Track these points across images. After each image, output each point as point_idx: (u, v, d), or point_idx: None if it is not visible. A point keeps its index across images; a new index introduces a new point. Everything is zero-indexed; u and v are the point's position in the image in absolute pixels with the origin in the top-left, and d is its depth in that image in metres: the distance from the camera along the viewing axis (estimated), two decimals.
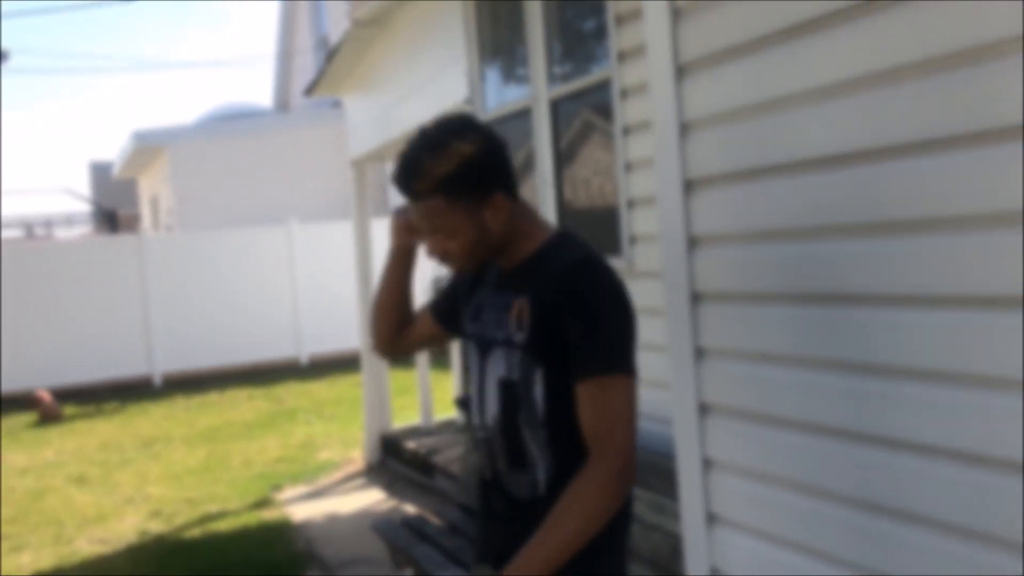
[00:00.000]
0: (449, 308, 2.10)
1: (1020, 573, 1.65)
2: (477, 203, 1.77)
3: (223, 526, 6.18)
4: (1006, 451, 1.68)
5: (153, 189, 18.04)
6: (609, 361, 1.71)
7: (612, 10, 4.42)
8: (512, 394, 1.79)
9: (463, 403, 6.74)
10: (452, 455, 6.58)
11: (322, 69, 8.02)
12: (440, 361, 9.30)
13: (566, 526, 1.66)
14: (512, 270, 1.86)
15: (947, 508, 1.80)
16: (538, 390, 1.76)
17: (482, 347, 1.87)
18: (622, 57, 4.37)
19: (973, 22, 1.67)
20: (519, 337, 1.77)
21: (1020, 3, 1.58)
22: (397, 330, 2.14)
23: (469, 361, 1.96)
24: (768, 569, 2.26)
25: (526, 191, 5.60)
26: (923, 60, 1.77)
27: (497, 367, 1.81)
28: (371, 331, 2.12)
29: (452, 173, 1.73)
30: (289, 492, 6.97)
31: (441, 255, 1.83)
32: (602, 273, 1.78)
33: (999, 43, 1.63)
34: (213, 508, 6.63)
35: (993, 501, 1.71)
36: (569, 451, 1.76)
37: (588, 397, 1.71)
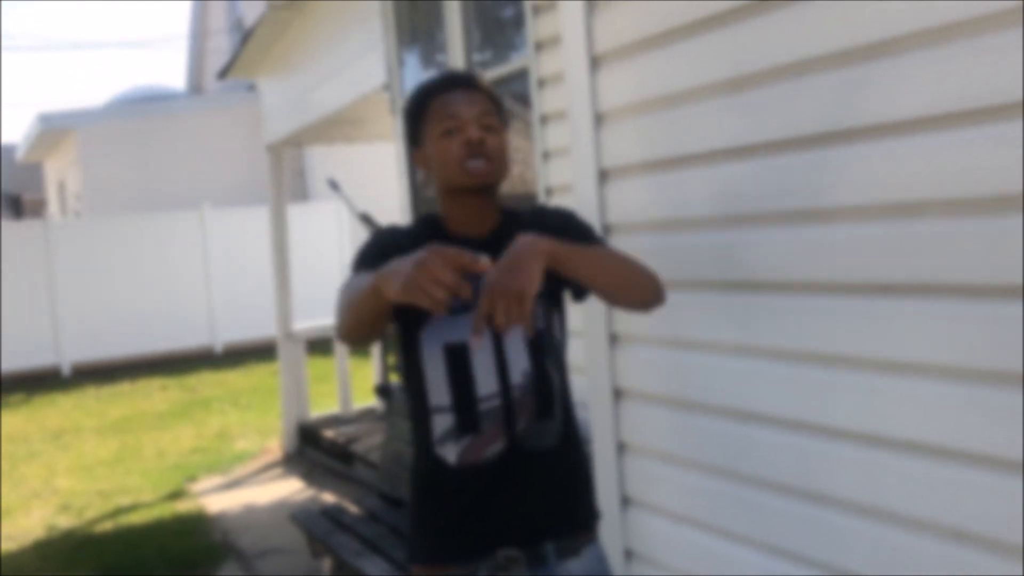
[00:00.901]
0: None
1: (935, 554, 1.74)
2: (505, 125, 1.92)
3: (136, 519, 6.05)
4: (903, 433, 1.76)
5: (60, 173, 17.44)
6: (603, 240, 1.86)
7: (528, 2, 4.44)
8: (539, 343, 1.83)
9: (383, 390, 6.71)
10: (372, 443, 6.56)
11: (237, 52, 7.86)
12: (359, 350, 9.24)
13: (614, 253, 1.82)
14: (490, 234, 1.85)
15: (856, 488, 1.88)
16: (556, 329, 1.87)
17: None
18: (539, 46, 4.40)
19: (874, 18, 1.74)
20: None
21: (915, 2, 1.66)
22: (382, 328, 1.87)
23: (453, 337, 1.80)
24: (680, 549, 2.32)
25: None
26: (826, 55, 1.83)
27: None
28: (348, 328, 1.75)
29: (496, 91, 1.90)
30: (204, 483, 6.85)
31: (480, 144, 1.80)
32: (559, 205, 1.98)
33: (896, 40, 1.70)
34: (125, 500, 6.48)
35: (895, 482, 1.80)
36: (569, 400, 1.90)
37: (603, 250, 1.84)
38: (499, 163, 1.84)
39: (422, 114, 1.87)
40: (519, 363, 1.81)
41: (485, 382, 1.79)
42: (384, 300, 1.54)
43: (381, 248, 1.83)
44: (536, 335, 1.82)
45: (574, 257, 1.67)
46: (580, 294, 1.89)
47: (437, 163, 1.84)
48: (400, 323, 1.83)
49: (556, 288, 1.85)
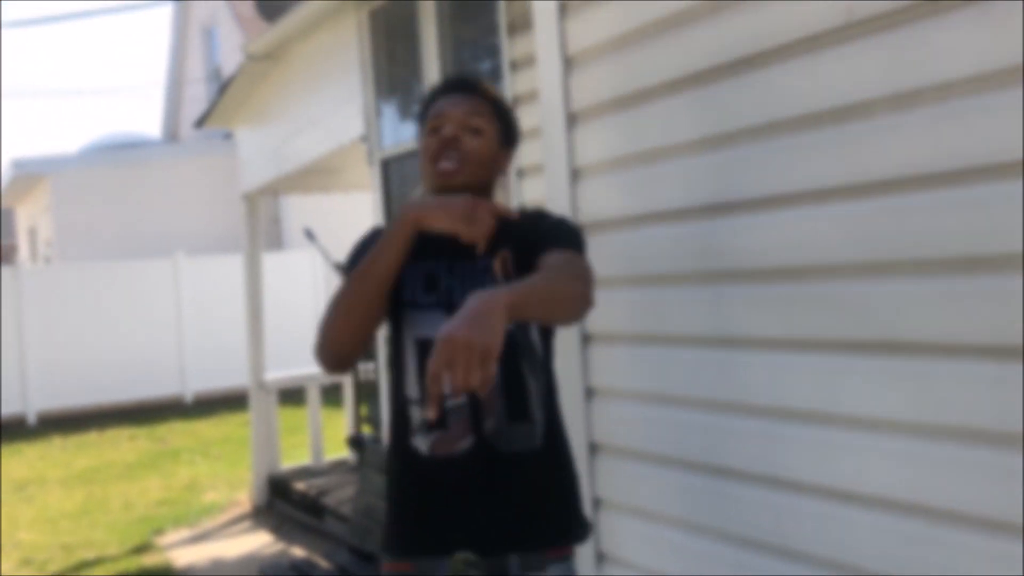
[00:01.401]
0: None
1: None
2: (501, 139, 1.88)
3: (100, 573, 5.91)
4: (873, 488, 1.77)
5: (32, 219, 17.31)
6: (578, 247, 1.81)
7: (507, 55, 4.51)
8: (512, 342, 1.76)
9: (355, 442, 6.65)
10: (343, 496, 6.48)
11: (214, 101, 7.89)
12: (331, 399, 9.17)
13: (558, 280, 1.67)
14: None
15: (820, 543, 1.88)
16: (534, 332, 1.83)
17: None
18: (517, 102, 4.45)
19: (842, 81, 1.78)
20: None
21: (886, 67, 1.70)
22: (376, 327, 1.85)
23: (423, 332, 1.78)
24: (653, 548, 2.30)
25: None
26: (797, 117, 1.87)
27: None
28: (339, 329, 1.75)
29: (502, 100, 1.91)
30: (172, 536, 6.72)
31: (452, 142, 1.80)
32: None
33: (865, 104, 1.74)
34: (90, 554, 6.34)
35: (861, 536, 1.80)
36: (555, 404, 1.85)
37: (554, 253, 1.75)
38: (470, 165, 1.81)
39: (423, 115, 1.89)
40: None
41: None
42: (405, 247, 1.70)
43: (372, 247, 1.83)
44: (509, 335, 1.70)
45: (530, 303, 1.59)
46: None
47: (421, 162, 1.86)
48: (390, 317, 1.82)
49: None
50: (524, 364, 1.80)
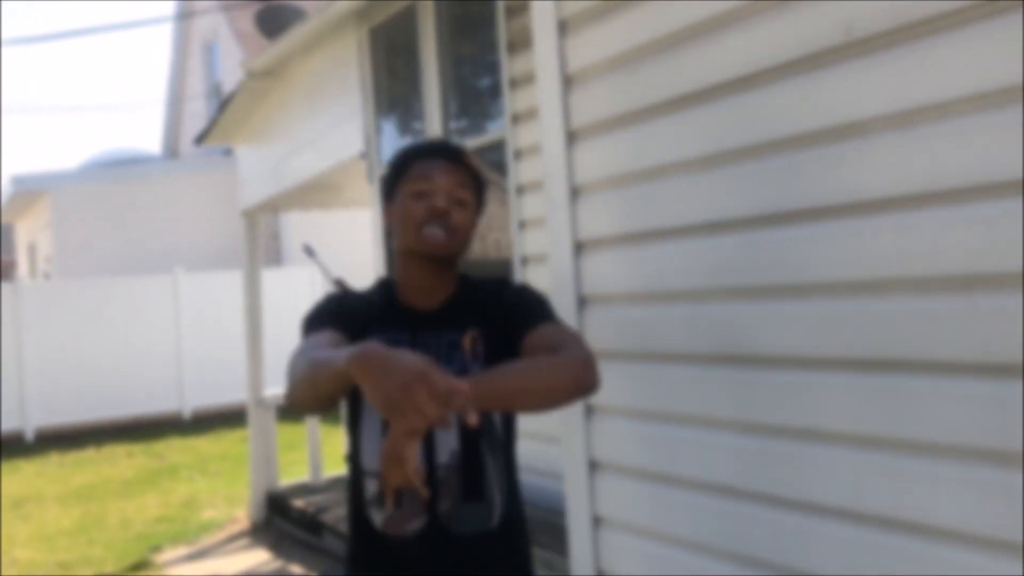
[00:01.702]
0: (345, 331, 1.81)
1: None
2: (478, 207, 1.90)
3: None
4: (880, 508, 1.76)
5: (32, 235, 17.32)
6: (552, 317, 1.82)
7: (506, 73, 4.53)
8: (481, 429, 1.77)
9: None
10: (342, 513, 6.45)
11: (214, 118, 7.91)
12: (330, 416, 9.15)
13: (538, 367, 1.63)
14: (440, 307, 1.84)
15: (819, 561, 1.87)
16: (495, 413, 1.80)
17: None
18: (516, 119, 4.47)
19: (841, 99, 1.78)
20: (476, 368, 1.78)
21: (884, 87, 1.71)
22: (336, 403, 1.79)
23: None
24: None
25: None
26: (797, 135, 1.88)
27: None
28: (302, 399, 1.67)
29: (482, 172, 1.92)
30: (169, 553, 6.69)
31: (443, 214, 1.78)
32: (525, 284, 1.96)
33: (863, 122, 1.75)
34: (87, 572, 6.31)
35: (868, 555, 1.79)
36: (515, 482, 1.84)
37: (545, 329, 1.75)
38: (458, 238, 1.81)
39: (402, 171, 1.86)
40: (447, 442, 1.77)
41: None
42: (348, 383, 1.46)
43: (333, 311, 1.82)
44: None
45: (496, 398, 1.56)
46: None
47: (400, 222, 1.82)
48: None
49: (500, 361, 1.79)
50: (483, 443, 1.79)
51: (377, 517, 1.77)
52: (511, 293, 1.88)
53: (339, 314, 1.82)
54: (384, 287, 1.91)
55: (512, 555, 1.83)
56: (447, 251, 1.80)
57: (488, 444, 1.80)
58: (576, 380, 1.65)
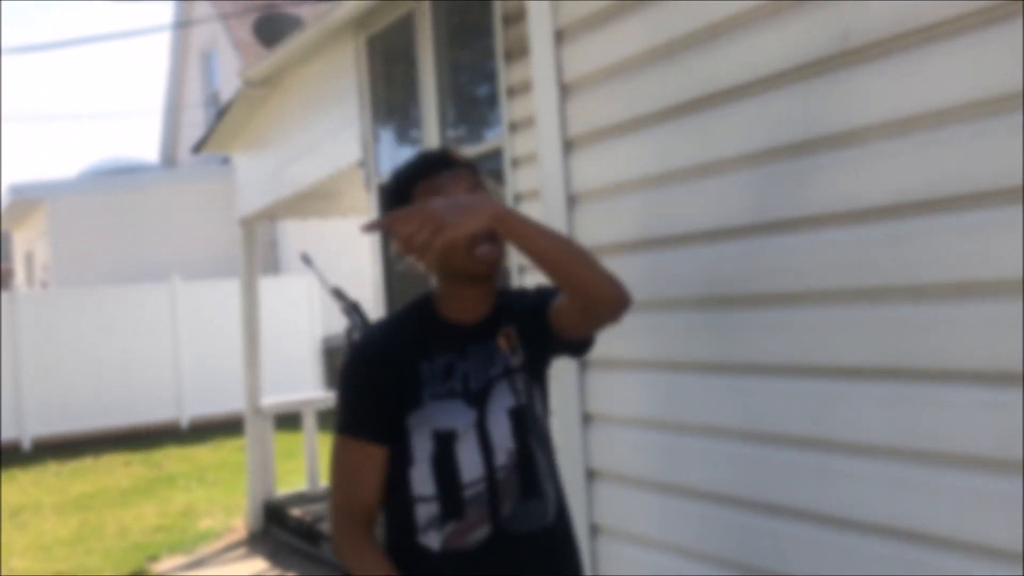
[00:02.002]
0: (387, 421, 1.78)
1: None
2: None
3: None
4: (875, 516, 1.76)
5: (29, 244, 17.32)
6: None
7: (504, 81, 4.53)
8: (523, 420, 1.79)
9: None
10: None
11: (212, 127, 7.92)
12: (327, 424, 9.14)
13: (573, 242, 1.75)
14: (478, 320, 1.81)
15: (819, 569, 1.87)
16: (539, 407, 1.82)
17: (475, 396, 1.77)
18: (514, 128, 4.47)
19: (839, 107, 1.79)
20: (516, 360, 1.80)
21: (880, 95, 1.71)
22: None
23: (441, 424, 1.75)
24: None
25: None
26: (794, 143, 1.88)
27: (504, 400, 1.78)
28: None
29: (472, 161, 1.86)
30: (167, 563, 6.67)
31: (489, 230, 1.69)
32: None
33: (860, 130, 1.75)
34: None
35: (860, 563, 1.79)
36: (559, 479, 1.84)
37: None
38: (504, 242, 1.73)
39: (409, 196, 1.77)
40: (503, 443, 1.76)
41: (470, 468, 1.74)
42: None
43: (376, 381, 1.76)
44: (519, 410, 1.77)
45: (523, 225, 1.62)
46: (581, 348, 1.86)
47: (441, 251, 1.70)
48: (395, 424, 1.76)
49: (539, 362, 1.83)
50: (532, 439, 1.79)
51: (435, 539, 1.74)
52: (522, 290, 1.92)
53: (377, 386, 1.76)
54: (422, 308, 1.84)
55: (568, 546, 1.83)
56: (502, 260, 1.76)
57: (538, 440, 1.80)
58: (617, 283, 1.71)
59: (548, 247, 1.66)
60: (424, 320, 1.81)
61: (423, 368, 1.76)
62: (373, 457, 1.74)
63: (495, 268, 1.74)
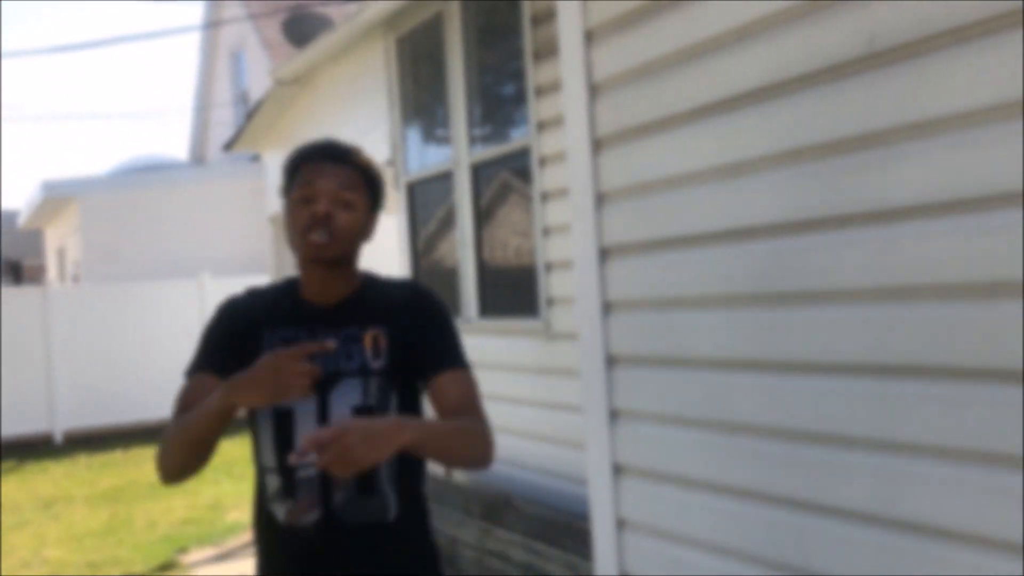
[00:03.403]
0: (227, 369, 1.86)
1: None
2: (371, 206, 1.95)
3: None
4: (901, 511, 1.78)
5: (61, 240, 17.55)
6: (462, 359, 1.95)
7: (532, 81, 4.57)
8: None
9: None
10: None
11: (242, 126, 8.02)
12: None
13: (456, 427, 1.84)
14: (338, 304, 1.92)
15: (843, 565, 1.89)
16: (394, 410, 1.90)
17: (322, 381, 1.82)
18: (541, 127, 4.51)
19: (865, 109, 1.81)
20: (377, 364, 1.89)
21: (906, 95, 1.73)
22: (205, 461, 1.91)
23: (279, 404, 1.83)
24: None
25: (446, 250, 5.67)
26: (821, 143, 1.90)
27: (351, 396, 1.87)
28: (187, 460, 1.85)
29: (373, 168, 1.96)
30: (196, 555, 6.76)
31: (325, 218, 1.84)
32: (433, 291, 2.05)
33: (886, 131, 1.77)
34: (115, 572, 6.39)
35: (883, 557, 1.81)
36: (412, 482, 1.93)
37: (452, 381, 1.90)
38: (343, 240, 1.87)
39: (292, 176, 1.93)
40: None
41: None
42: (226, 418, 1.74)
43: (224, 329, 1.95)
44: (365, 410, 1.86)
45: (430, 444, 1.76)
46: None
47: (290, 226, 1.90)
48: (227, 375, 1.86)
49: (401, 369, 1.89)
50: None
51: (280, 510, 1.88)
52: (423, 308, 1.97)
53: (228, 331, 1.95)
54: (289, 284, 2.00)
55: (409, 549, 1.93)
56: (330, 254, 1.86)
57: None
58: (485, 457, 1.87)
59: (451, 446, 1.83)
60: (285, 295, 1.97)
61: (265, 335, 1.91)
62: (207, 386, 1.86)
63: (322, 254, 1.85)
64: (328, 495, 1.85)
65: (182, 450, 1.85)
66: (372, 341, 1.88)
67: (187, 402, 1.88)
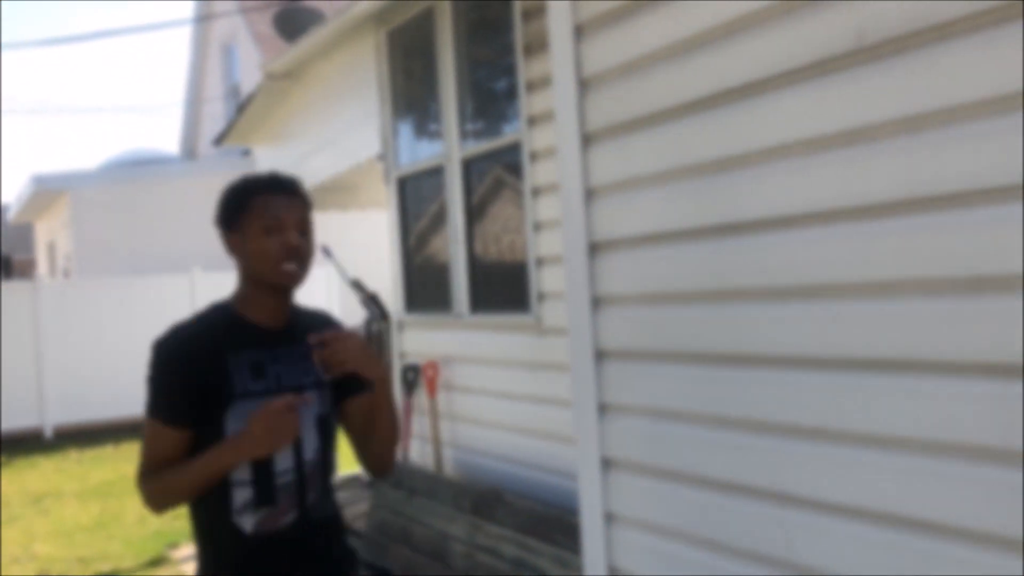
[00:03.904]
0: (195, 405, 1.98)
1: None
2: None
3: None
4: (882, 505, 1.79)
5: (51, 234, 17.49)
6: (371, 385, 2.15)
7: (523, 76, 4.57)
8: (327, 428, 2.12)
9: None
10: (357, 511, 6.50)
11: (233, 120, 8.00)
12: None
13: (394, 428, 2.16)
14: (285, 325, 2.10)
15: (830, 559, 1.90)
16: (334, 420, 2.16)
17: (287, 394, 2.00)
18: (532, 122, 4.51)
19: (852, 104, 1.82)
20: (325, 377, 2.08)
21: (893, 91, 1.74)
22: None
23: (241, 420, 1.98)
24: None
25: (437, 245, 5.67)
26: (807, 139, 1.91)
27: (313, 406, 2.08)
28: (173, 506, 2.04)
29: (308, 197, 2.17)
30: (186, 550, 6.75)
31: (297, 250, 2.02)
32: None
33: (873, 126, 1.78)
34: (105, 567, 6.38)
35: (870, 552, 1.82)
36: (332, 471, 2.19)
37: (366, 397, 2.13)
38: (307, 267, 2.07)
39: (244, 206, 2.04)
40: (311, 441, 2.07)
41: (282, 459, 2.01)
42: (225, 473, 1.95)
43: (179, 372, 1.99)
44: (325, 417, 2.10)
45: (387, 397, 2.10)
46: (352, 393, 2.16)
47: (253, 256, 2.02)
48: (200, 411, 1.98)
49: (343, 383, 2.10)
50: (330, 442, 2.13)
51: (249, 522, 2.00)
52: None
53: (187, 372, 2.00)
54: (220, 311, 2.10)
55: (343, 534, 2.21)
56: (299, 281, 2.05)
57: (332, 443, 2.15)
58: (393, 452, 2.20)
59: (391, 416, 2.14)
60: (227, 321, 2.07)
61: (230, 360, 2.00)
62: (171, 437, 1.99)
63: (296, 281, 2.05)
64: (303, 497, 2.05)
65: (183, 497, 2.02)
66: (319, 358, 2.01)
67: (159, 457, 2.01)
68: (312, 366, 2.05)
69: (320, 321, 2.20)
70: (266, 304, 2.07)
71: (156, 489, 2.02)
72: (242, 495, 1.99)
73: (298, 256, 2.02)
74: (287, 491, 2.02)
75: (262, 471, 1.98)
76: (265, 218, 2.01)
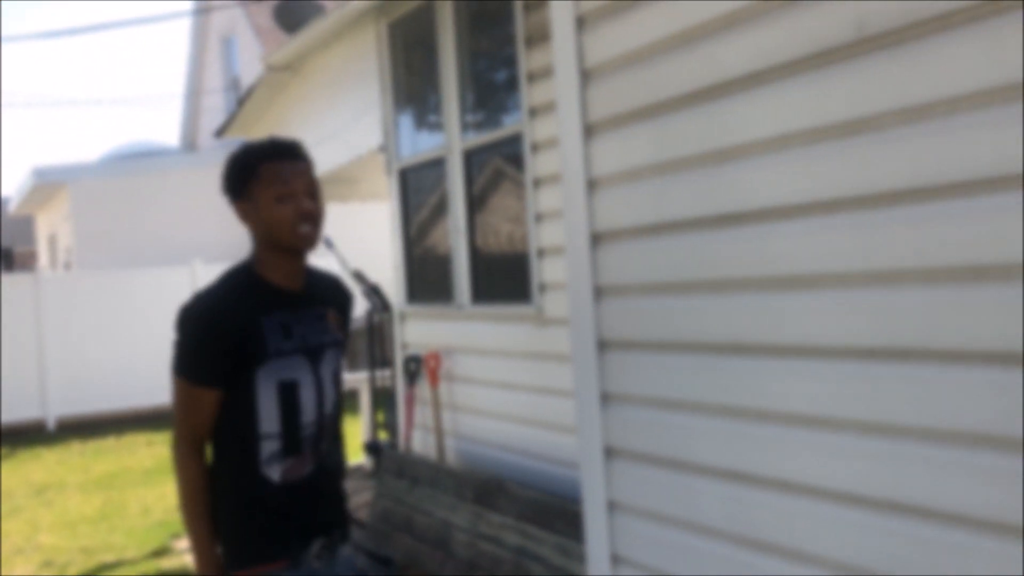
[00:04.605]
0: (228, 365, 2.13)
1: None
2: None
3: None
4: (883, 492, 1.81)
5: (52, 227, 17.50)
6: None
7: (524, 67, 4.57)
8: (338, 381, 2.32)
9: (372, 448, 6.70)
10: (360, 501, 6.53)
11: (234, 112, 8.00)
12: (348, 405, 9.22)
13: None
14: (300, 288, 2.25)
15: (830, 546, 1.92)
16: (341, 377, 2.37)
17: (313, 353, 2.23)
18: (533, 113, 4.52)
19: (853, 95, 1.83)
20: (339, 336, 2.32)
21: (895, 80, 1.75)
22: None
23: (286, 375, 2.16)
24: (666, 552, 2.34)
25: (438, 236, 5.68)
26: (808, 129, 1.92)
27: (331, 364, 2.28)
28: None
29: (311, 159, 2.26)
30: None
31: (312, 213, 2.14)
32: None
33: (875, 117, 1.79)
34: (109, 558, 6.41)
35: (871, 539, 1.84)
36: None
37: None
38: (320, 227, 2.19)
39: (251, 174, 2.14)
40: (329, 395, 2.27)
41: (307, 412, 2.19)
42: None
43: (214, 339, 2.11)
44: (337, 372, 2.31)
45: None
46: None
47: (267, 223, 2.13)
48: (233, 370, 2.11)
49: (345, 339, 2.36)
50: (339, 397, 2.31)
51: (276, 471, 2.16)
52: (348, 296, 2.46)
53: (225, 334, 2.11)
54: (244, 274, 2.22)
55: (343, 478, 2.40)
56: (314, 243, 2.17)
57: (339, 398, 2.32)
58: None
59: None
60: (254, 285, 2.19)
61: (264, 323, 2.14)
62: (208, 399, 2.12)
63: (313, 243, 2.16)
64: (319, 446, 2.23)
65: (181, 504, 2.20)
66: (332, 319, 2.27)
67: (192, 418, 2.14)
68: (328, 325, 2.27)
69: (331, 283, 2.40)
70: (284, 267, 2.19)
71: (179, 476, 2.17)
72: (270, 446, 2.14)
73: (311, 219, 2.13)
74: (309, 441, 2.20)
75: (291, 423, 2.15)
76: (276, 186, 2.10)
